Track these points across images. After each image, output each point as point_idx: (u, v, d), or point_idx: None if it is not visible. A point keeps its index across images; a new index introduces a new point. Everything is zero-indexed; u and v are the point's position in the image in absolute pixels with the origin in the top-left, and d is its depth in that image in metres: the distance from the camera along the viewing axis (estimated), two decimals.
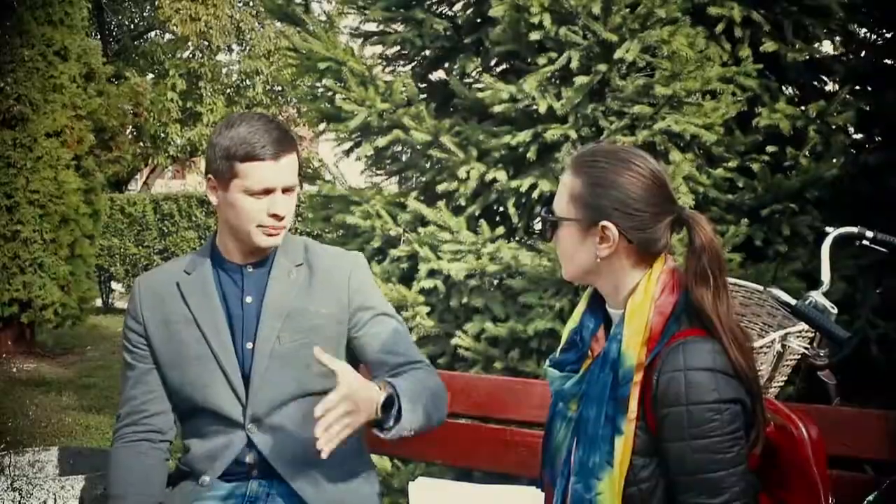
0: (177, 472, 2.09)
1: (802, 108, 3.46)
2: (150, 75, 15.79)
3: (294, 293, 2.03)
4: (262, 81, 15.82)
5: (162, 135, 14.57)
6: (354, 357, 2.09)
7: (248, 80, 16.17)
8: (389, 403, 1.81)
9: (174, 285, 2.06)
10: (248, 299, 2.03)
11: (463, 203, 3.50)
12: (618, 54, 3.21)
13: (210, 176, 1.99)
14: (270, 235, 1.98)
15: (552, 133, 3.27)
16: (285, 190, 1.97)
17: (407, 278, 3.55)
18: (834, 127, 3.37)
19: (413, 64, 4.00)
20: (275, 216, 1.96)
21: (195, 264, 2.08)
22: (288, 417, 2.00)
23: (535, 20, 3.25)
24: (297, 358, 1.99)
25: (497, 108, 3.39)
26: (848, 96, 3.40)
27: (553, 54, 3.34)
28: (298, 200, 2.57)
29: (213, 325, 2.01)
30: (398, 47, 3.94)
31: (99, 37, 16.28)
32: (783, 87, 3.67)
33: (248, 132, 1.93)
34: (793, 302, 2.21)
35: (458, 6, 3.94)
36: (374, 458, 2.24)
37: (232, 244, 2.04)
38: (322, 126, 3.94)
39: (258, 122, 1.95)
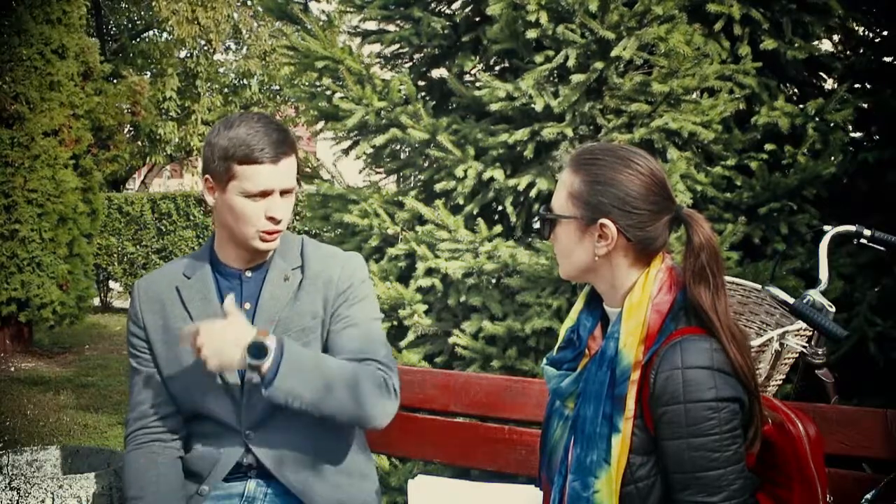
0: None
1: (801, 105, 3.46)
2: (148, 74, 15.75)
3: (286, 298, 2.00)
4: (257, 81, 15.80)
5: (160, 133, 14.55)
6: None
7: (244, 80, 16.15)
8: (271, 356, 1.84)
9: (174, 290, 2.03)
10: (247, 306, 2.01)
11: (461, 202, 3.49)
12: (615, 52, 3.20)
13: (207, 176, 1.96)
14: (266, 240, 1.96)
15: (549, 131, 3.27)
16: (283, 192, 1.94)
17: (405, 277, 3.54)
18: (832, 125, 3.36)
19: (411, 62, 3.99)
20: (271, 219, 1.93)
21: (194, 268, 2.05)
22: (285, 422, 1.98)
23: (532, 18, 3.25)
24: None
25: (494, 107, 3.39)
26: (846, 94, 3.40)
27: (550, 52, 3.34)
28: (297, 199, 2.55)
29: None
30: (396, 46, 3.93)
31: (97, 35, 16.24)
32: (782, 85, 3.67)
33: (248, 134, 1.90)
34: (791, 300, 2.21)
35: (455, 5, 3.93)
36: (373, 456, 2.23)
37: (230, 248, 2.02)
38: (320, 125, 3.94)
39: (258, 124, 1.92)
